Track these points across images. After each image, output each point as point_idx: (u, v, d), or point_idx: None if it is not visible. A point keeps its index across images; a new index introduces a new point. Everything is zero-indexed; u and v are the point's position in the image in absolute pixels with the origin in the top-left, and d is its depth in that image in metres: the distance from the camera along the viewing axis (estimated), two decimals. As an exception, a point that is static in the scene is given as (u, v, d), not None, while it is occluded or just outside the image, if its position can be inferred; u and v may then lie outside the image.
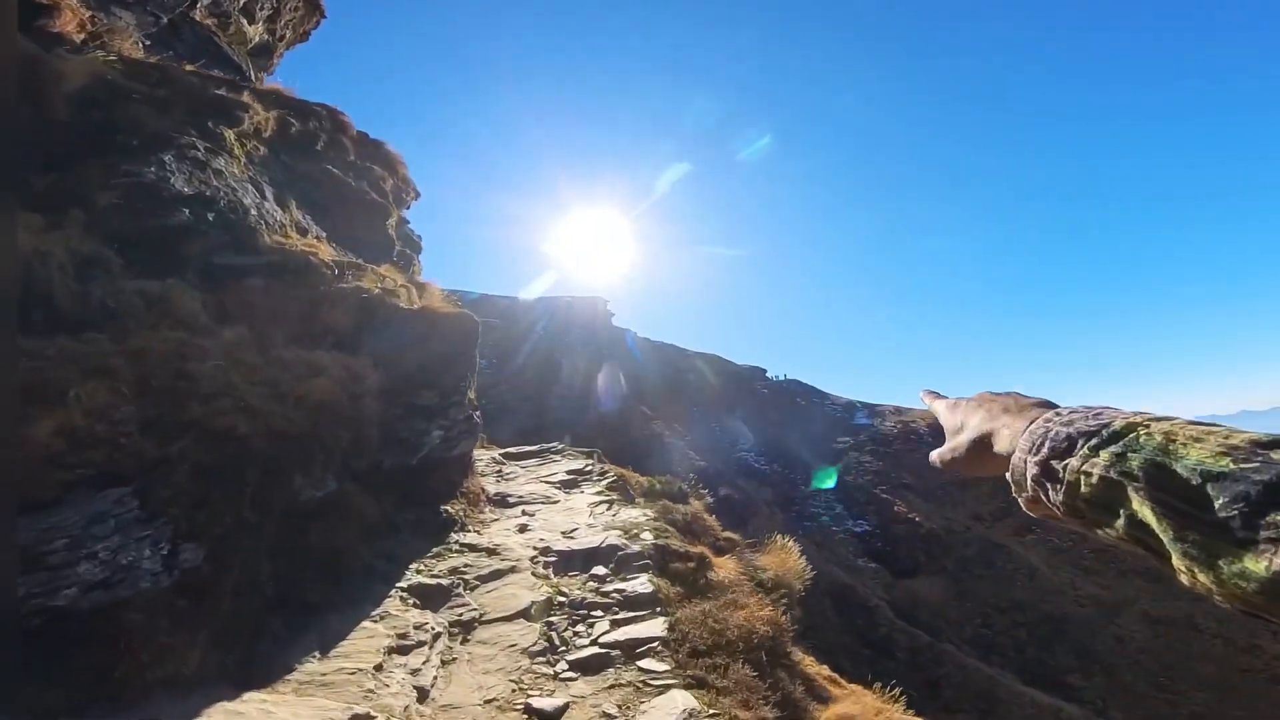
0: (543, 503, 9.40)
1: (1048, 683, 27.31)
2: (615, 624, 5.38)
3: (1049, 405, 0.76)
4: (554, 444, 14.23)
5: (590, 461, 12.43)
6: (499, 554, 7.00)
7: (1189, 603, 31.11)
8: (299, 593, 5.17)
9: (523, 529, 7.91)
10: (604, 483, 10.78)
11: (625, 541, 7.37)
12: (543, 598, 5.81)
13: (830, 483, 33.04)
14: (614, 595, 5.96)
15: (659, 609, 5.65)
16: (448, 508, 7.87)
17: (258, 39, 16.19)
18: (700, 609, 5.62)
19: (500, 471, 11.70)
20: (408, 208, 16.45)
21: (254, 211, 9.48)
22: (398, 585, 6.16)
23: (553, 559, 6.97)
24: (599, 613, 5.62)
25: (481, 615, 5.53)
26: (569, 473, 11.46)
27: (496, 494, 9.66)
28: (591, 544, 7.26)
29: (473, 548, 7.27)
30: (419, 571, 6.66)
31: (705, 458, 31.95)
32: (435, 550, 7.24)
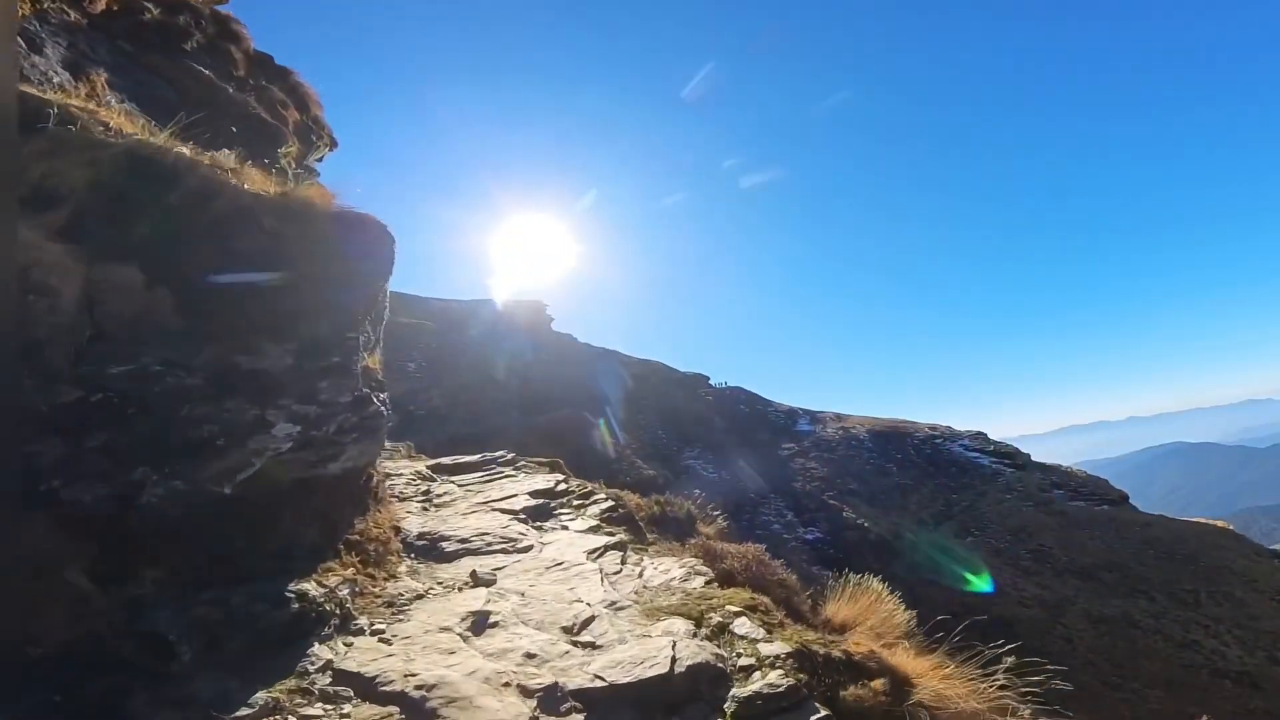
0: (505, 550, 4.90)
1: (1006, 690, 24.62)
2: None
3: None
4: (500, 453, 9.57)
5: (558, 477, 7.90)
6: (432, 713, 2.52)
7: (1124, 599, 29.22)
8: None
9: (478, 623, 3.36)
10: (594, 510, 6.33)
11: (712, 647, 3.04)
12: None
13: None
14: None
15: None
16: (308, 584, 3.29)
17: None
18: None
19: (429, 494, 7.00)
20: (319, 157, 11.63)
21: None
22: None
23: (569, 717, 2.57)
24: None
25: None
26: (534, 494, 6.91)
27: (422, 535, 5.08)
28: (647, 663, 2.85)
29: (367, 688, 2.75)
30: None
31: (653, 466, 27.86)
32: (264, 701, 2.72)
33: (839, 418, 40.09)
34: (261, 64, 10.67)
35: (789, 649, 3.10)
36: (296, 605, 3.15)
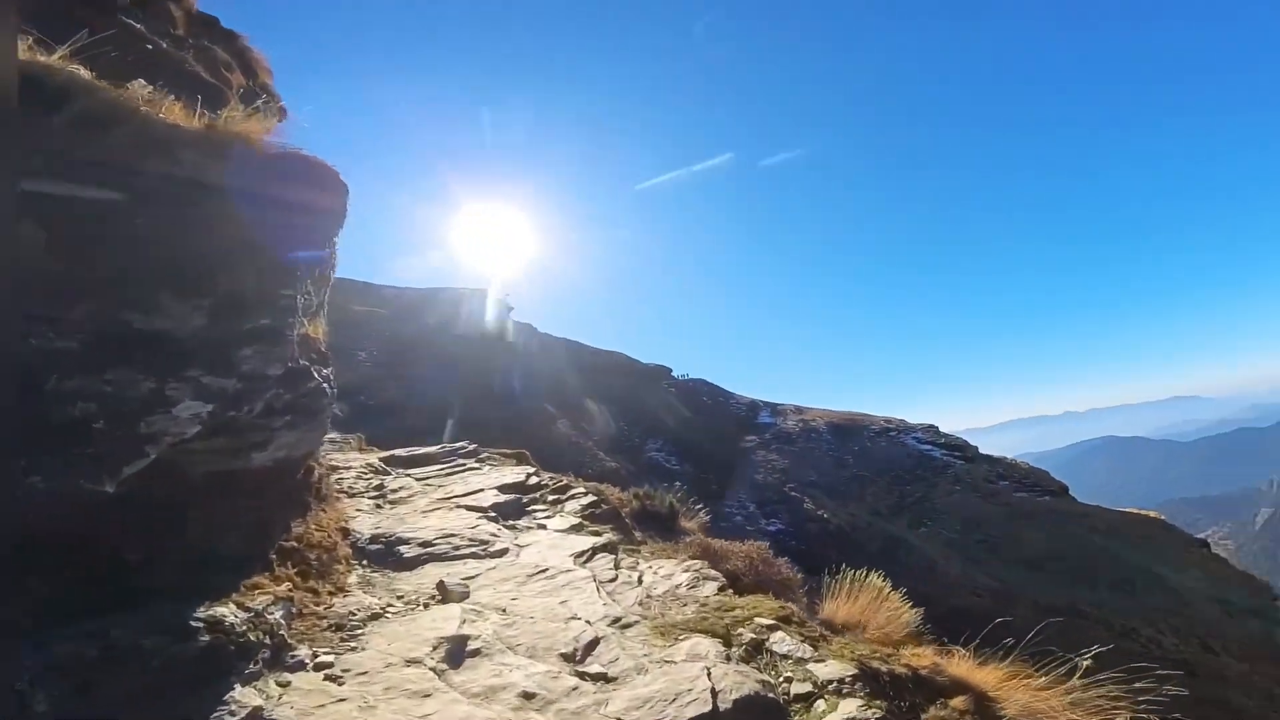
0: (476, 555, 4.14)
1: (960, 677, 24.95)
2: None
3: None
4: (461, 443, 8.73)
5: (528, 469, 7.13)
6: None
7: (1068, 589, 29.98)
8: None
9: (455, 652, 2.60)
10: (574, 506, 5.60)
11: (754, 673, 2.38)
12: None
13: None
14: None
15: None
16: (225, 607, 2.51)
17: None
18: None
19: (382, 489, 6.15)
20: (268, 130, 10.46)
21: None
22: None
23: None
24: None
25: None
26: (503, 489, 6.13)
27: (376, 538, 4.28)
28: (681, 699, 2.16)
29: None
30: None
31: (615, 459, 27.22)
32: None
33: (799, 410, 40.11)
34: (205, 24, 9.56)
35: (851, 670, 2.47)
36: (207, 636, 2.35)
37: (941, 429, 45.61)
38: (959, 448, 43.47)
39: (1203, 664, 26.27)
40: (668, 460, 30.27)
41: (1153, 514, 40.67)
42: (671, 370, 39.23)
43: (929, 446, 42.38)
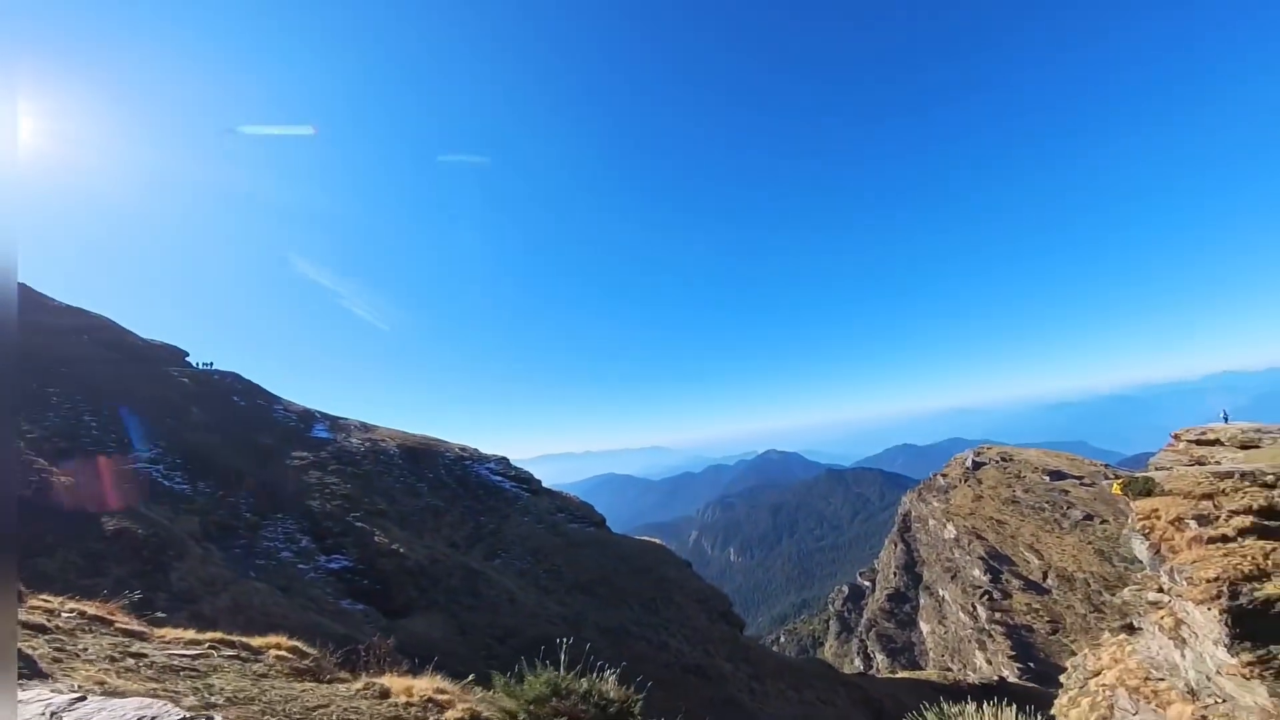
0: None
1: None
2: None
3: None
4: None
5: None
6: None
7: (617, 610, 31.12)
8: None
9: None
10: None
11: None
12: None
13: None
14: None
15: None
16: None
17: None
18: None
19: None
20: None
21: None
22: None
23: None
24: None
25: None
26: None
27: None
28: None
29: None
30: None
31: (76, 469, 16.77)
32: None
33: (365, 427, 33.52)
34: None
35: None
36: None
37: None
38: (526, 480, 42.95)
39: (713, 667, 29.26)
40: (169, 475, 20.40)
41: (656, 540, 46.40)
42: (187, 354, 27.92)
43: (500, 478, 40.55)
